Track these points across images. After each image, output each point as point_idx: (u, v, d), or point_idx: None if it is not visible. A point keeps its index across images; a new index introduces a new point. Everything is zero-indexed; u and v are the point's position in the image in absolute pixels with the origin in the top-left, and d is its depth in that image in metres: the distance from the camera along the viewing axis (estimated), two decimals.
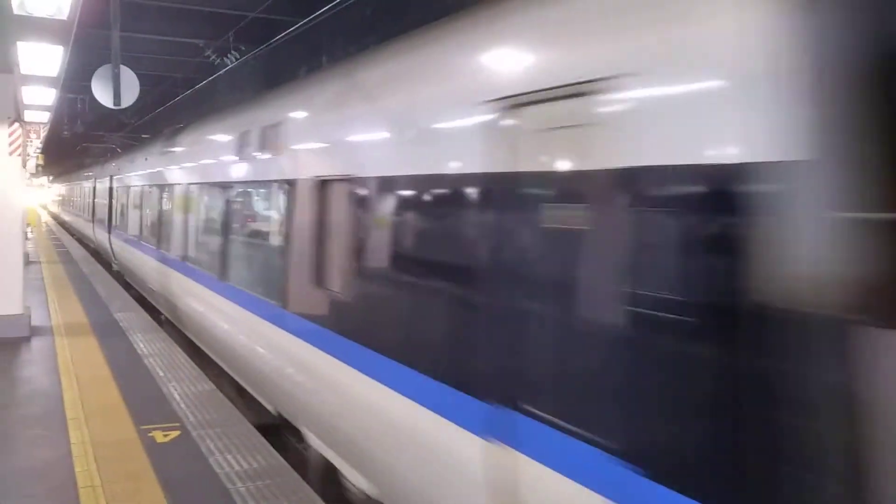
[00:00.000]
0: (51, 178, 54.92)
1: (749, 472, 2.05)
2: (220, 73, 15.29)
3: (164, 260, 10.90)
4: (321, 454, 5.27)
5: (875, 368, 1.78)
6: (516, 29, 3.25)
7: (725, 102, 2.17)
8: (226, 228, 7.74)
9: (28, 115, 12.16)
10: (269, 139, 6.27)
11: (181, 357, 8.85)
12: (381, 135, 4.31)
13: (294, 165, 5.61)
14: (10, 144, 9.81)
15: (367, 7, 9.76)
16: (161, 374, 7.98)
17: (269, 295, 6.06)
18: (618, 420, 2.48)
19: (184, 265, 9.55)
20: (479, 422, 3.16)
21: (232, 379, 7.77)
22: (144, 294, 13.52)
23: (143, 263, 12.80)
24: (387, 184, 4.13)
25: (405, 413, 3.78)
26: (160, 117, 24.31)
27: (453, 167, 3.49)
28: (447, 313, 3.50)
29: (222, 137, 8.22)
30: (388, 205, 4.12)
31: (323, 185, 5.07)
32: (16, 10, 5.77)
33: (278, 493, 4.94)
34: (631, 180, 2.43)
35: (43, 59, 7.84)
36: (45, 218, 45.16)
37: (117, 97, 11.08)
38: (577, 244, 2.67)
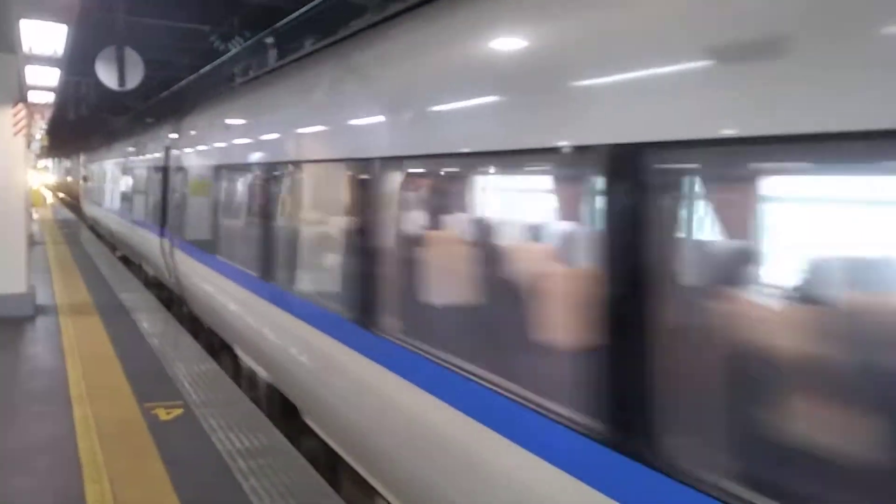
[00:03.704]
0: (80, 157, 36.84)
1: None
2: None
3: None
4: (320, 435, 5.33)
5: None
6: None
7: None
8: None
9: (32, 97, 12.15)
10: None
11: (185, 337, 8.90)
12: None
13: None
14: (15, 125, 9.83)
15: None
16: (165, 353, 8.04)
17: None
18: None
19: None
20: None
21: (235, 358, 7.83)
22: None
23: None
24: None
25: None
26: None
27: None
28: None
29: None
30: None
31: None
32: None
33: (279, 470, 4.98)
34: None
35: (46, 38, 7.84)
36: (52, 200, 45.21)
37: (122, 78, 11.07)
38: None
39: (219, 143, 8.50)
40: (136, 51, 11.73)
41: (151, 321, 9.71)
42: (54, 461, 5.10)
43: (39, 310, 10.09)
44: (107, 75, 11.33)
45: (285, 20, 11.94)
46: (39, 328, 9.22)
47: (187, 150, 10.30)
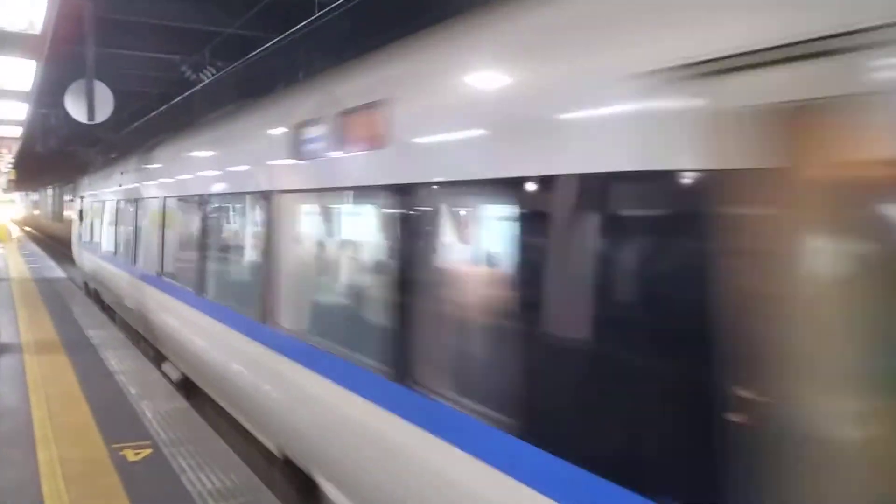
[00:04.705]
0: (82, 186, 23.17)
1: None
2: None
3: None
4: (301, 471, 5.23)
5: None
6: None
7: None
8: None
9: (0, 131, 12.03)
10: None
11: (153, 374, 8.73)
12: None
13: None
14: None
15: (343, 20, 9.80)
16: (133, 391, 7.88)
17: None
18: None
19: None
20: None
21: (206, 396, 7.69)
22: None
23: None
24: None
25: None
26: None
27: None
28: None
29: None
30: None
31: None
32: None
33: None
34: None
35: (15, 74, 7.77)
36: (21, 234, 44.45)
37: (91, 112, 10.99)
38: None
39: None
40: (106, 82, 11.68)
41: (119, 358, 9.53)
42: None
43: (4, 348, 9.86)
44: (76, 109, 11.25)
45: (257, 51, 11.97)
46: (3, 367, 8.99)
47: None
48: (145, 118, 20.92)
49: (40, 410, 7.12)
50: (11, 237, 35.76)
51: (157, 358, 10.11)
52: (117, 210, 13.55)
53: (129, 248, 11.96)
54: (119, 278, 12.80)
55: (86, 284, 18.29)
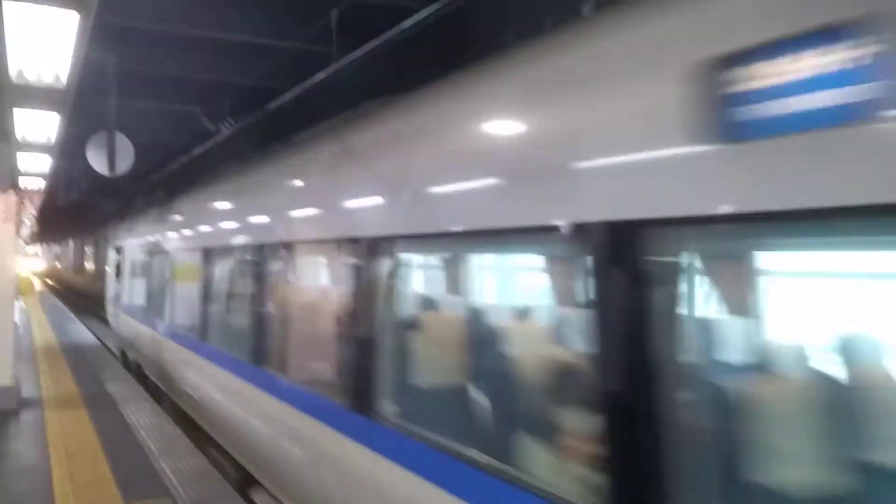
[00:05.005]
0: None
1: None
2: None
3: None
4: None
5: None
6: None
7: None
8: None
9: (23, 182, 12.13)
10: None
11: (173, 430, 8.58)
12: None
13: None
14: (4, 212, 9.72)
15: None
16: (153, 447, 7.72)
17: None
18: None
19: None
20: None
21: (226, 453, 7.51)
22: None
23: None
24: None
25: None
26: None
27: None
28: None
29: None
30: None
31: None
32: (14, 80, 5.77)
33: None
34: None
35: (38, 126, 7.83)
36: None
37: (112, 164, 11.07)
38: None
39: None
40: (126, 134, 11.78)
41: (139, 413, 9.39)
42: None
43: (24, 402, 9.75)
44: (97, 161, 11.35)
45: (275, 101, 12.05)
46: (24, 422, 8.88)
47: None
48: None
49: (60, 466, 6.97)
50: (34, 290, 36.10)
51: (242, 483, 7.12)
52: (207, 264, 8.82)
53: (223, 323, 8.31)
54: (191, 367, 9.31)
55: (123, 354, 15.31)
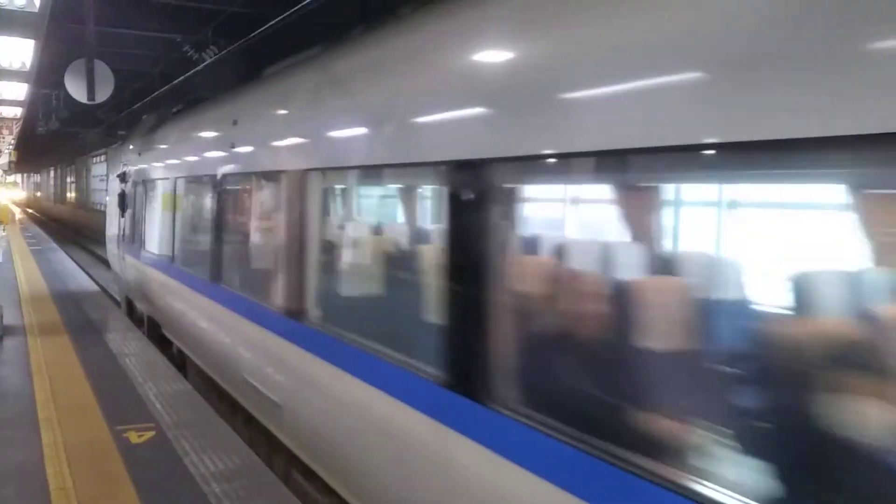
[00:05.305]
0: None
1: None
2: None
3: None
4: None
5: None
6: None
7: None
8: None
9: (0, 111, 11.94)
10: None
11: (156, 357, 8.72)
12: None
13: None
14: None
15: None
16: (136, 373, 7.86)
17: None
18: None
19: None
20: None
21: (208, 379, 7.66)
22: None
23: None
24: None
25: None
26: None
27: None
28: None
29: None
30: None
31: None
32: None
33: (254, 492, 4.86)
34: None
35: (14, 53, 7.69)
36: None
37: (91, 92, 10.91)
38: None
39: None
40: (106, 62, 11.57)
41: (123, 341, 9.51)
42: (22, 489, 4.92)
43: (7, 330, 9.84)
44: (76, 89, 11.16)
45: (259, 29, 11.83)
46: (7, 349, 8.98)
47: None
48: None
49: (44, 392, 7.10)
50: (14, 219, 35.79)
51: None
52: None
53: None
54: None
55: (129, 303, 12.71)
